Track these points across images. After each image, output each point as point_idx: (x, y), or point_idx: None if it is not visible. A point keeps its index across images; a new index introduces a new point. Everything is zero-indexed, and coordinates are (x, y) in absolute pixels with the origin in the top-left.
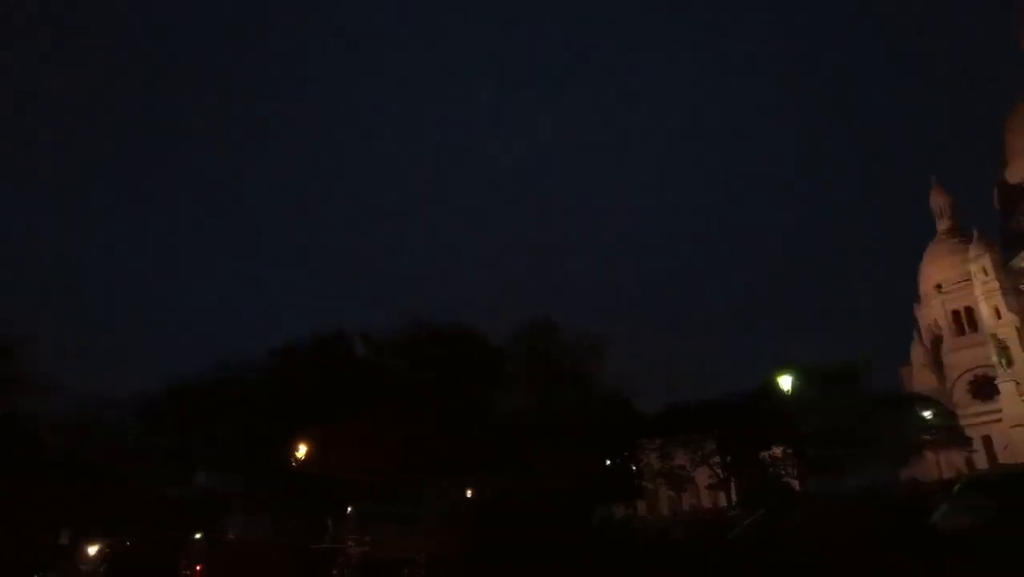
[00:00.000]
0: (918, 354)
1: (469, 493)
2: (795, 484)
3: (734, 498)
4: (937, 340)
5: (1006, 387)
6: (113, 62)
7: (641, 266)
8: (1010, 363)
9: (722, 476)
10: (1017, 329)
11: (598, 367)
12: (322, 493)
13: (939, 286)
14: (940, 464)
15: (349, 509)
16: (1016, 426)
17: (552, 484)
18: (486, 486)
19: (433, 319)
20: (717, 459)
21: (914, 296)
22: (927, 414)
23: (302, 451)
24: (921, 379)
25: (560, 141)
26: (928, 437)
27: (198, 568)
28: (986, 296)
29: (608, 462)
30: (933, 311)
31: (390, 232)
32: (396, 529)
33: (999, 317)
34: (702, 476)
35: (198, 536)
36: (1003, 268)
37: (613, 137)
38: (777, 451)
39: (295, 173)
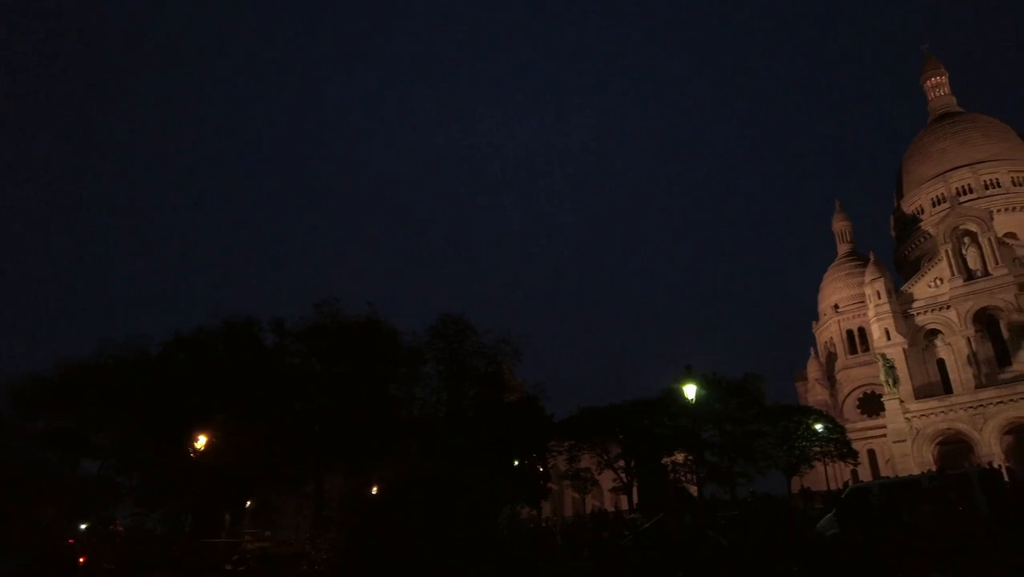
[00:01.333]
0: (813, 369)
1: (375, 490)
2: (693, 489)
3: (635, 501)
4: (832, 357)
5: (891, 404)
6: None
7: (563, 275)
8: (896, 382)
9: (625, 480)
10: (904, 350)
11: (511, 368)
12: (222, 485)
13: (836, 306)
14: (828, 474)
15: (248, 503)
16: (897, 441)
17: (461, 483)
18: (393, 482)
19: (349, 313)
20: (622, 463)
21: (815, 314)
22: (819, 427)
23: (202, 441)
24: (815, 393)
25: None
26: (818, 448)
27: (81, 560)
28: (878, 318)
29: (516, 463)
30: (829, 329)
31: (317, 223)
32: (297, 523)
33: (888, 338)
34: (607, 479)
35: (83, 527)
36: (895, 292)
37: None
38: (679, 456)
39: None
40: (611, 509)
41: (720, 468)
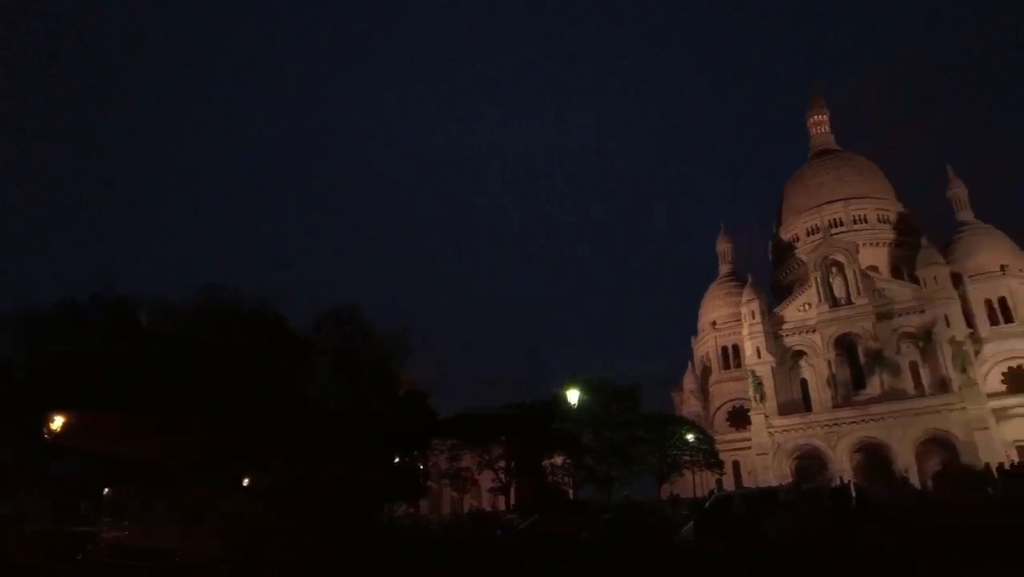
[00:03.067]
0: (689, 381)
1: (246, 482)
2: (569, 492)
3: (513, 502)
4: (707, 371)
5: (757, 419)
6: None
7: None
8: (763, 398)
9: (504, 481)
10: (772, 369)
11: (401, 364)
12: (81, 472)
13: (714, 323)
14: (695, 482)
15: (106, 491)
16: (760, 454)
17: (344, 479)
18: (273, 476)
19: (238, 297)
20: (502, 463)
21: (694, 329)
22: (690, 437)
23: (58, 422)
24: (689, 404)
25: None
26: (688, 457)
27: None
28: (751, 336)
29: (397, 460)
30: (707, 345)
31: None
32: (160, 517)
33: (759, 356)
34: (486, 479)
35: None
36: (768, 314)
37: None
38: (557, 459)
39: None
40: (488, 509)
41: (597, 472)
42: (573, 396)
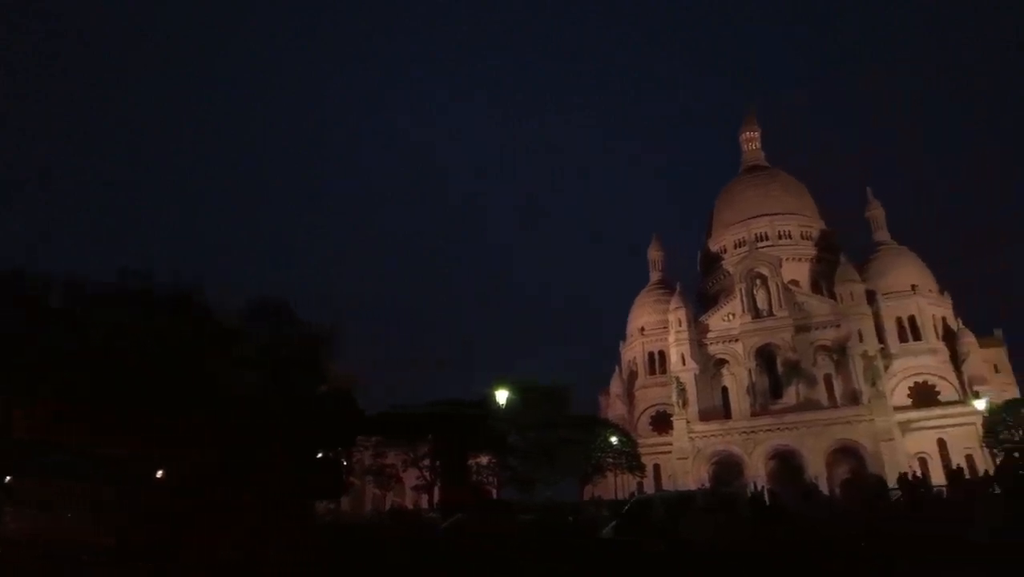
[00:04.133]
0: (616, 386)
1: (160, 473)
2: (493, 492)
3: (437, 501)
4: (634, 375)
5: (679, 424)
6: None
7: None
8: (685, 404)
9: (429, 479)
10: (696, 376)
11: (329, 358)
12: None
13: (643, 329)
14: (617, 484)
15: (8, 479)
16: (681, 459)
17: (262, 473)
18: (184, 465)
19: (162, 281)
20: (428, 461)
21: (623, 334)
22: (614, 440)
23: None
24: (615, 408)
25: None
26: (611, 460)
27: None
28: (676, 344)
29: (320, 455)
30: (634, 350)
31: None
32: (63, 507)
33: (684, 363)
34: (411, 477)
35: None
36: (694, 322)
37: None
38: (483, 459)
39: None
40: (411, 507)
41: (522, 472)
42: (502, 396)
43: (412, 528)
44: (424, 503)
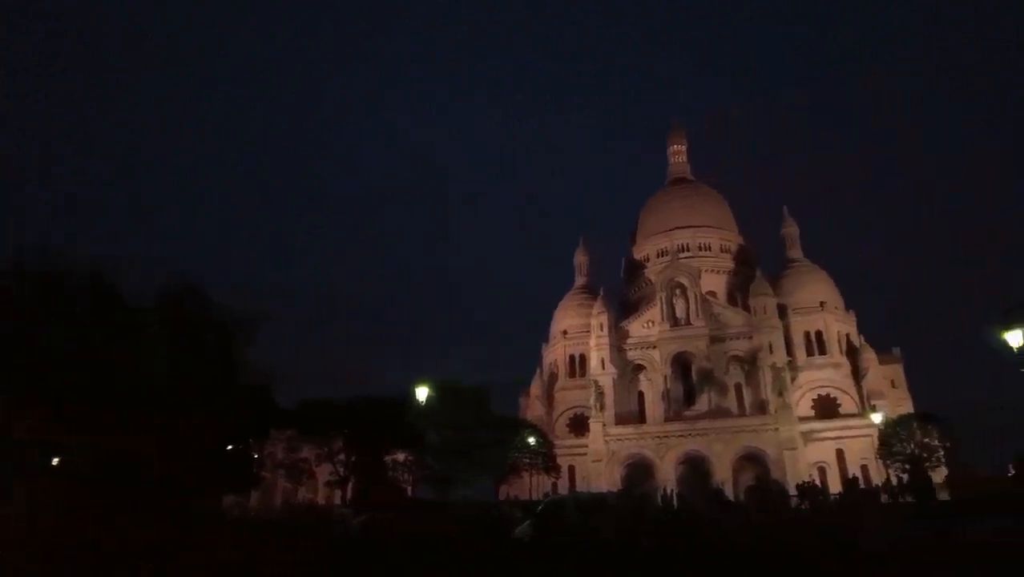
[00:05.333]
0: (536, 387)
1: (56, 461)
2: (408, 489)
3: (350, 497)
4: (554, 378)
5: (595, 427)
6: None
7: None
8: (603, 407)
9: (343, 474)
10: (614, 380)
11: (245, 347)
12: None
13: (565, 332)
14: (532, 485)
15: None
16: (596, 461)
17: (165, 463)
18: (83, 453)
19: (64, 260)
20: (343, 456)
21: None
22: (532, 440)
23: None
24: (534, 409)
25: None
26: (528, 460)
27: None
28: (597, 348)
29: (230, 447)
30: (556, 352)
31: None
32: None
33: (603, 367)
34: (324, 472)
35: None
36: (616, 327)
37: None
38: (399, 456)
39: None
40: (323, 502)
41: (438, 471)
42: (421, 394)
43: (325, 524)
44: (337, 499)
